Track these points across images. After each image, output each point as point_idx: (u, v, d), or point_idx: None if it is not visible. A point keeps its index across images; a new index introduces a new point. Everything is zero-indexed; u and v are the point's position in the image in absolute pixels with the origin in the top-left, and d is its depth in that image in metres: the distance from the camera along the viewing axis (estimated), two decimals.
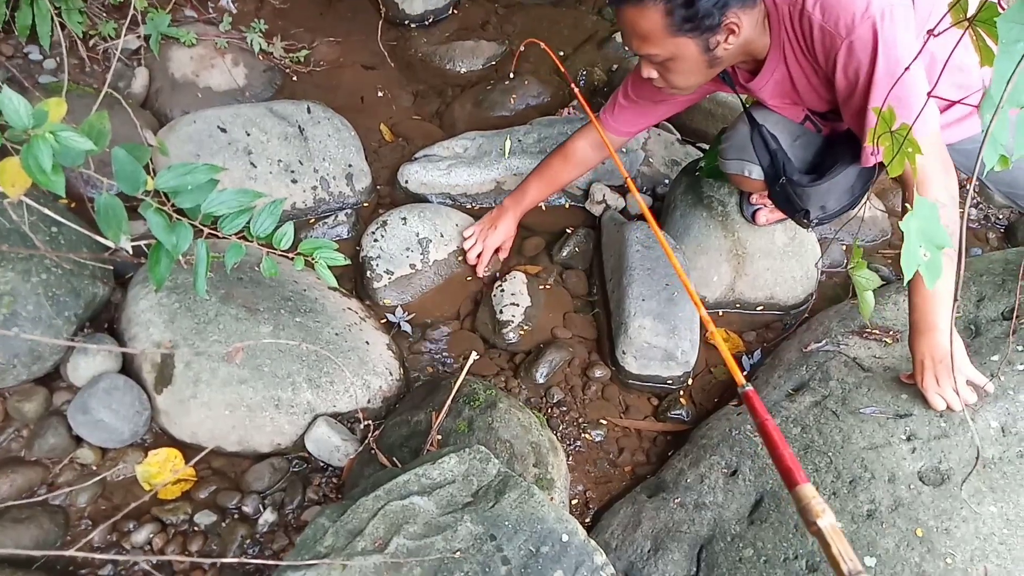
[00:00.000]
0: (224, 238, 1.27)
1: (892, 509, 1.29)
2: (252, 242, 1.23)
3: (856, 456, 1.38)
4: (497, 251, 2.02)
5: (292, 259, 1.26)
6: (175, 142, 2.00)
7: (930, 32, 0.96)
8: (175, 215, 1.14)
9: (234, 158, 2.03)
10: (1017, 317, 1.58)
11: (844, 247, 2.10)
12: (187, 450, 1.62)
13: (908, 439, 1.39)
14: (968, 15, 1.01)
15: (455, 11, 2.84)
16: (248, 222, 1.20)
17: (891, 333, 1.68)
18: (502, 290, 1.92)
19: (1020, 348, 1.50)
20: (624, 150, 2.16)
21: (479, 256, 1.99)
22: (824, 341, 1.70)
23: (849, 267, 1.50)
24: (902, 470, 1.34)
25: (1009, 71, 0.73)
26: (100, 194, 1.05)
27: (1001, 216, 2.25)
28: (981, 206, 2.30)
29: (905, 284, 1.39)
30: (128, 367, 1.67)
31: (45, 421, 1.61)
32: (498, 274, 2.00)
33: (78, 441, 1.61)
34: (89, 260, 1.49)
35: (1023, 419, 1.39)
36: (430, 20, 2.79)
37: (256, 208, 1.22)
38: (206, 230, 1.18)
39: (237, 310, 1.65)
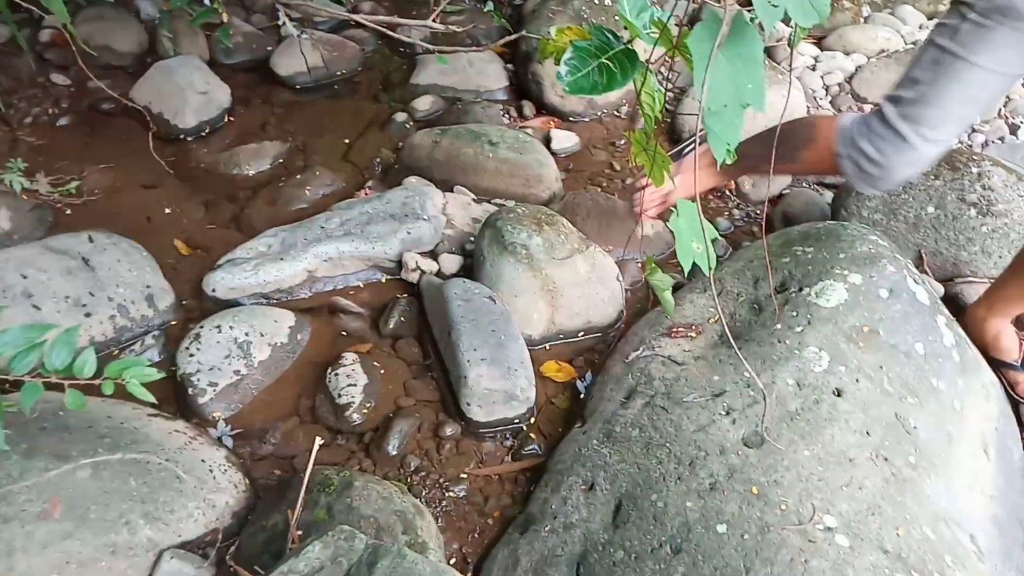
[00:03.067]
0: (13, 387, 1.17)
1: (728, 477, 1.43)
2: (50, 378, 1.14)
3: (689, 440, 1.52)
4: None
5: (100, 385, 1.18)
6: None
7: None
8: None
9: (13, 304, 1.86)
10: (785, 289, 1.84)
11: (640, 264, 2.32)
12: None
13: (727, 413, 1.56)
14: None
15: (230, 118, 2.85)
16: (41, 357, 1.12)
17: (694, 327, 1.87)
18: (336, 374, 1.90)
19: (794, 313, 1.74)
20: (426, 216, 2.26)
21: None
22: (641, 348, 1.85)
23: (645, 275, 1.67)
24: (728, 441, 1.50)
25: (702, 79, 0.90)
26: None
27: (759, 211, 2.61)
28: (742, 206, 2.64)
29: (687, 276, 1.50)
30: None
31: None
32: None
33: None
34: None
35: (811, 372, 1.61)
36: (206, 131, 2.76)
37: (48, 341, 1.15)
38: None
39: (46, 462, 1.50)
